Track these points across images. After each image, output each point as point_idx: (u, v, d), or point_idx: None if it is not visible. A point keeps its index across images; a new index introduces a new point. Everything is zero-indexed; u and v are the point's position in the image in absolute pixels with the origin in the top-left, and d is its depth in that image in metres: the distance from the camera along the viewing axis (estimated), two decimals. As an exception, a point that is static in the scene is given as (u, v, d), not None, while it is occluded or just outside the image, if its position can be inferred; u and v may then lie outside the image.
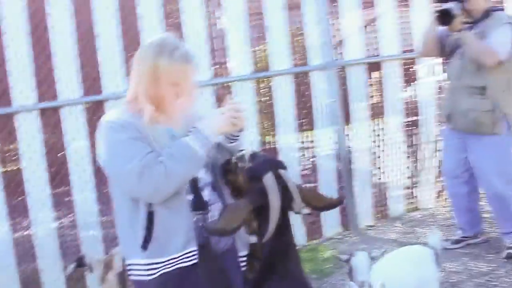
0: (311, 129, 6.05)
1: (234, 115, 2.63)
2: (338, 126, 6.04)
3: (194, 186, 2.74)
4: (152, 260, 2.66)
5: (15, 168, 5.26)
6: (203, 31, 5.55)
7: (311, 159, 6.08)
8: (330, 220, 6.15)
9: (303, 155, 6.05)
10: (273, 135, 5.91)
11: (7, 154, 5.25)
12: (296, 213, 2.75)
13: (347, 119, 6.21)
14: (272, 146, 5.91)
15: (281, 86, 5.84)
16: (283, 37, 5.81)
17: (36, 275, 5.30)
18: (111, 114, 2.77)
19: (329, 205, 2.86)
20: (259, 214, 2.57)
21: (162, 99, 2.65)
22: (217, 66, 5.74)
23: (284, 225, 2.61)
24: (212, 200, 2.81)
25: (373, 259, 3.40)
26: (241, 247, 2.86)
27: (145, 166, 2.52)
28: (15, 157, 5.24)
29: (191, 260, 2.67)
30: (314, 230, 6.16)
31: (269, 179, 2.56)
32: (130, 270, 2.76)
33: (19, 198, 5.29)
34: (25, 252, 5.36)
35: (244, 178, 2.67)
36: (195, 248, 2.66)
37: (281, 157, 5.84)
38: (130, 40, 5.27)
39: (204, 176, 2.79)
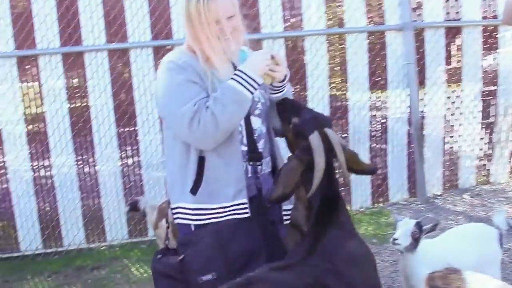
0: (384, 90, 5.92)
1: (272, 65, 2.58)
2: (412, 89, 5.91)
3: (250, 136, 2.73)
4: (201, 205, 2.65)
5: (83, 105, 5.38)
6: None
7: (381, 121, 5.96)
8: (397, 185, 6.07)
9: (374, 115, 5.93)
10: (345, 93, 5.83)
11: (76, 91, 5.35)
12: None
13: (421, 83, 6.05)
14: (343, 103, 5.82)
15: (355, 43, 5.75)
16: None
17: (99, 211, 5.45)
18: (173, 53, 2.74)
19: (362, 170, 2.77)
20: (305, 172, 2.50)
21: (204, 42, 2.60)
22: (290, 19, 5.66)
23: (329, 182, 2.52)
24: (265, 152, 2.80)
25: (422, 230, 3.32)
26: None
27: (197, 111, 2.51)
28: (84, 94, 5.34)
29: (242, 213, 2.66)
30: (380, 193, 6.07)
31: (315, 139, 2.49)
32: (176, 213, 2.73)
33: (86, 135, 5.43)
34: (89, 188, 5.50)
35: (293, 134, 2.62)
36: (245, 200, 2.65)
37: (351, 116, 5.82)
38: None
39: (260, 126, 2.78)
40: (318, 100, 5.69)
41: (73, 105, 5.36)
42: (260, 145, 2.77)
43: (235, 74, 2.55)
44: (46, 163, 5.41)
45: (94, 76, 5.28)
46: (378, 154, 6.00)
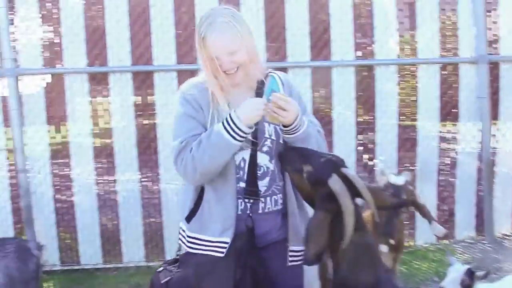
0: (455, 123, 5.79)
1: (270, 110, 2.55)
2: (484, 124, 5.77)
3: (251, 172, 2.72)
4: (193, 234, 2.77)
5: (150, 123, 5.47)
6: (350, 9, 5.49)
7: (451, 154, 5.83)
8: (464, 222, 5.91)
9: (444, 149, 5.81)
10: (415, 124, 5.74)
11: (144, 109, 5.44)
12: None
13: (494, 118, 5.89)
14: (412, 135, 5.73)
15: (427, 74, 5.66)
16: (434, 24, 5.62)
17: (160, 230, 5.51)
18: (186, 84, 2.83)
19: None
20: (333, 222, 2.35)
21: (213, 73, 2.67)
22: (362, 47, 5.62)
23: (358, 226, 2.38)
24: (270, 190, 2.78)
25: (474, 277, 3.20)
26: (294, 240, 2.79)
27: (182, 150, 2.64)
28: (151, 113, 5.43)
29: (219, 252, 2.70)
30: (446, 229, 5.90)
31: (335, 182, 2.34)
32: (179, 231, 2.89)
33: (151, 153, 5.50)
34: (152, 206, 5.55)
35: (309, 183, 2.48)
36: (228, 240, 2.68)
37: (420, 148, 5.71)
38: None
39: (267, 163, 2.77)
40: (386, 131, 5.61)
41: (140, 123, 5.44)
42: (264, 182, 2.76)
43: (226, 119, 2.58)
44: (111, 178, 5.49)
45: (162, 96, 5.35)
46: (446, 189, 5.84)
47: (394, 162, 5.65)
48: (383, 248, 3.49)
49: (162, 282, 2.82)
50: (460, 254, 5.62)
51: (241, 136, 2.57)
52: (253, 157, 2.73)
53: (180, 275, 2.76)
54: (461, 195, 5.89)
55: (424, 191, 5.63)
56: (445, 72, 5.71)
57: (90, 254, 5.53)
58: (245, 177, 2.73)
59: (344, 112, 5.56)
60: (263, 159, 2.75)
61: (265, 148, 2.75)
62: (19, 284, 4.03)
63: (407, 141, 5.71)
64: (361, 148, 5.65)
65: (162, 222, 5.54)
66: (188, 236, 2.80)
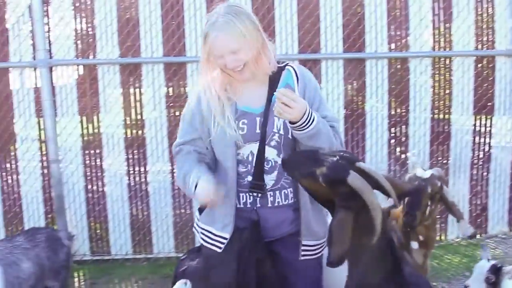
0: (490, 117, 5.73)
1: (279, 104, 2.53)
2: (520, 117, 5.70)
3: (258, 166, 2.75)
4: (204, 225, 2.90)
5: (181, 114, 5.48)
6: (384, 1, 5.42)
7: (485, 148, 5.78)
8: (497, 216, 5.87)
9: (478, 142, 5.75)
10: (448, 117, 5.69)
11: (176, 100, 5.46)
12: None
13: (531, 111, 5.85)
14: (445, 128, 5.69)
15: (462, 67, 5.59)
16: (469, 16, 5.54)
17: (190, 221, 5.54)
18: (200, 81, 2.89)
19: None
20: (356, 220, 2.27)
21: (221, 68, 2.75)
22: (396, 39, 5.57)
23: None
24: (279, 184, 2.80)
25: (501, 273, 3.15)
26: (306, 235, 2.83)
27: (176, 154, 2.93)
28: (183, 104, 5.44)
29: (218, 247, 2.83)
30: (478, 224, 5.89)
31: (355, 179, 2.24)
32: (195, 220, 3.07)
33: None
34: (182, 198, 5.59)
35: (326, 185, 2.34)
36: (227, 235, 2.79)
37: (453, 141, 5.67)
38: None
39: (275, 157, 2.78)
40: (420, 124, 5.58)
41: (172, 114, 5.45)
42: (272, 176, 2.79)
43: (195, 179, 2.68)
44: (142, 169, 5.53)
45: (194, 87, 5.36)
46: (479, 183, 5.80)
47: (427, 156, 5.61)
48: (413, 244, 3.49)
49: (179, 270, 3.02)
50: (493, 249, 5.58)
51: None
52: (260, 151, 2.74)
53: (195, 266, 2.95)
54: (494, 190, 5.84)
55: (457, 185, 5.62)
56: (480, 65, 5.65)
57: (120, 244, 5.59)
58: (252, 170, 2.76)
59: (377, 105, 5.52)
60: (271, 153, 2.76)
61: (273, 143, 2.76)
62: (50, 273, 4.08)
63: (440, 134, 5.66)
64: (394, 141, 5.61)
65: (192, 213, 5.56)
66: (199, 227, 2.93)
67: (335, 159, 2.33)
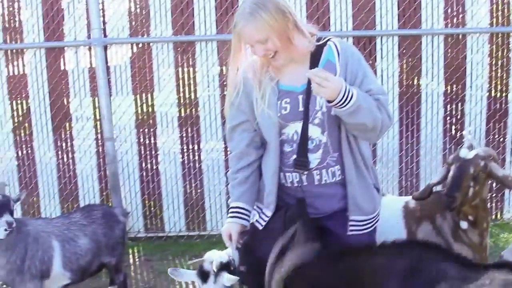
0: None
1: (314, 84, 2.54)
2: None
3: (302, 145, 2.77)
4: (257, 203, 2.96)
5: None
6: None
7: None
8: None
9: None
10: (506, 95, 5.64)
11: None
12: None
13: None
14: (502, 106, 5.66)
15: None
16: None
17: (200, 199, 5.70)
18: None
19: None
20: None
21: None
22: (453, 15, 5.52)
23: None
24: (325, 162, 2.81)
25: None
26: (353, 210, 2.85)
27: (228, 140, 3.01)
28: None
29: (260, 224, 2.91)
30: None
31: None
32: None
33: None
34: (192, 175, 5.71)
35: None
36: (270, 213, 2.88)
37: (511, 119, 5.65)
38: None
39: (319, 136, 2.78)
40: (476, 101, 5.56)
41: (225, 93, 5.50)
42: (317, 155, 2.79)
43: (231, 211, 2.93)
44: (196, 147, 5.62)
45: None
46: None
47: (483, 134, 5.61)
48: (463, 224, 3.49)
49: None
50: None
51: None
52: (304, 130, 2.76)
53: (244, 242, 2.98)
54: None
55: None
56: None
57: (174, 221, 5.71)
58: (296, 149, 2.80)
59: (433, 82, 5.52)
60: (315, 132, 2.77)
61: (316, 121, 2.76)
62: (106, 249, 4.20)
63: (497, 112, 5.64)
64: (449, 119, 5.61)
65: (203, 190, 5.69)
66: (255, 205, 3.01)
67: None
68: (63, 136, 5.60)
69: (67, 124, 5.57)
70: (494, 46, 5.57)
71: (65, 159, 5.62)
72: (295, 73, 2.75)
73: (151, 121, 5.58)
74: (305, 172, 2.79)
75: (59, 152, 5.61)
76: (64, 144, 5.61)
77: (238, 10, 2.68)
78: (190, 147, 5.62)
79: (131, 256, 5.41)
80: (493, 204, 5.77)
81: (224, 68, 5.48)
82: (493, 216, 5.74)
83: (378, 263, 2.48)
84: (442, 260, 2.38)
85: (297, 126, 2.77)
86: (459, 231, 3.51)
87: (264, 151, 2.91)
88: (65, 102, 5.54)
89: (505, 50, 5.58)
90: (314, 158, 2.78)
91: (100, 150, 5.60)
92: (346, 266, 2.57)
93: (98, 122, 5.55)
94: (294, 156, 2.79)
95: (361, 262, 2.53)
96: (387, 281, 2.42)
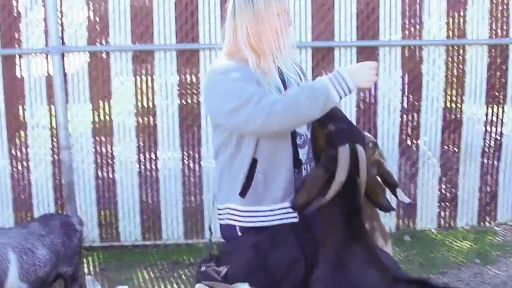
0: (501, 105, 6.12)
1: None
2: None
3: (293, 141, 2.95)
4: (251, 207, 2.95)
5: (193, 102, 5.88)
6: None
7: (496, 137, 6.16)
8: (507, 204, 6.27)
9: (489, 131, 6.13)
10: (460, 106, 6.07)
11: (188, 88, 5.83)
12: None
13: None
14: (457, 116, 6.10)
15: (475, 56, 5.95)
16: (484, 4, 5.88)
17: (200, 208, 5.98)
18: (218, 63, 2.99)
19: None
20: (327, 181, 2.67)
21: (264, 44, 2.87)
22: (410, 27, 5.93)
23: (351, 197, 2.73)
24: (308, 158, 3.02)
25: None
26: None
27: (262, 96, 2.72)
28: (195, 92, 5.84)
29: (291, 217, 2.96)
30: (487, 212, 6.29)
31: (343, 152, 2.63)
32: (221, 214, 3.08)
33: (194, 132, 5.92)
34: (192, 184, 6.00)
35: (324, 140, 2.76)
36: (289, 204, 2.86)
37: (465, 130, 6.06)
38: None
39: (305, 131, 3.00)
40: (432, 112, 5.96)
41: (184, 101, 5.83)
42: (304, 151, 3.00)
43: (332, 74, 2.73)
44: (153, 156, 5.90)
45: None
46: (489, 172, 6.19)
47: (438, 144, 6.06)
48: None
49: (217, 276, 2.93)
50: (502, 236, 6.03)
51: (345, 95, 2.72)
52: None
53: (238, 261, 2.91)
54: (504, 178, 6.25)
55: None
56: (493, 54, 6.02)
57: (130, 230, 5.97)
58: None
59: (389, 93, 5.93)
60: (302, 128, 2.96)
61: None
62: (64, 259, 4.34)
63: (451, 122, 6.07)
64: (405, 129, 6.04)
65: (202, 200, 5.95)
66: (244, 211, 2.96)
67: (346, 128, 2.73)
68: (17, 145, 5.82)
69: (23, 133, 5.79)
70: (450, 58, 6.00)
71: (20, 168, 5.83)
72: (272, 71, 2.91)
73: (108, 129, 5.84)
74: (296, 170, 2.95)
75: (14, 161, 5.81)
76: (19, 153, 5.82)
77: None
78: (147, 156, 5.89)
79: (86, 265, 5.60)
80: (447, 213, 6.23)
81: (183, 77, 5.80)
82: (447, 225, 6.20)
83: None
84: None
85: None
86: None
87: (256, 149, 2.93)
88: (21, 110, 5.76)
89: (460, 63, 6.02)
90: (302, 154, 2.98)
91: (56, 158, 5.82)
92: None
93: (54, 131, 5.77)
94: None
95: None
96: None
